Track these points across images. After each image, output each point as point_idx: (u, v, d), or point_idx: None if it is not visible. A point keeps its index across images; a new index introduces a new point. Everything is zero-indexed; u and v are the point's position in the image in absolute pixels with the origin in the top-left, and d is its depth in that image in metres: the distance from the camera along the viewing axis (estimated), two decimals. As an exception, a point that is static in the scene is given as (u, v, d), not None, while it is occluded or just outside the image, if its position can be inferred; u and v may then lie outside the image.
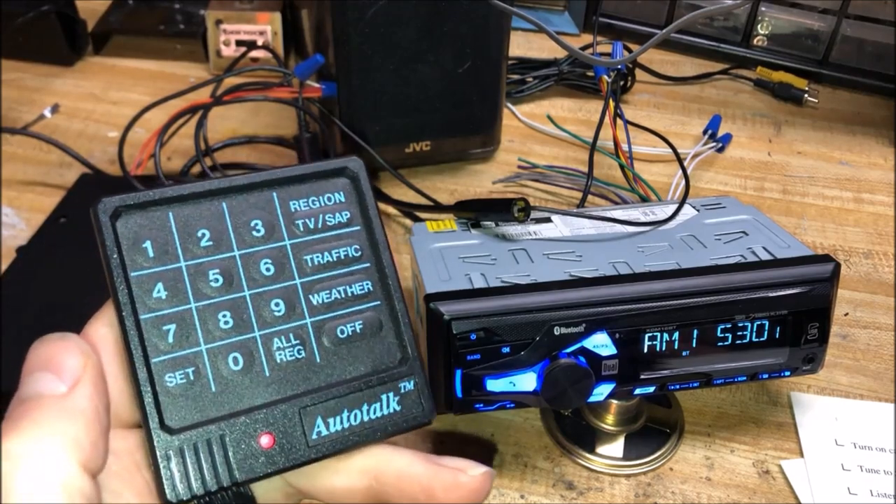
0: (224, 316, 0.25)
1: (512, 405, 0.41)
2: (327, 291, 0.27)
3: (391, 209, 0.62)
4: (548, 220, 0.49)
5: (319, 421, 0.26)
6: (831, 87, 0.81)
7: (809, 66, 0.81)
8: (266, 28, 0.75)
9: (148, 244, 0.25)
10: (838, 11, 0.78)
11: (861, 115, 0.77)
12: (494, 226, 0.48)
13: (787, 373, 0.43)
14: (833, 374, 0.52)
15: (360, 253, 0.27)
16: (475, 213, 0.49)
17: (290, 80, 0.62)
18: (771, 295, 0.41)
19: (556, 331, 0.39)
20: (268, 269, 0.26)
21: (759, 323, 0.41)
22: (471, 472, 0.26)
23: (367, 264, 0.27)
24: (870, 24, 0.78)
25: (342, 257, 0.27)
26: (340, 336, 0.27)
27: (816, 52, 0.81)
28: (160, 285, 0.25)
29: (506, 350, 0.39)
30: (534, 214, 0.47)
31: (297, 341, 0.26)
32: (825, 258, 0.42)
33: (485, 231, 0.48)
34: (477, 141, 0.67)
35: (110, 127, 0.71)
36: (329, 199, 0.27)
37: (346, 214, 0.27)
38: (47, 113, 0.71)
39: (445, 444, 0.46)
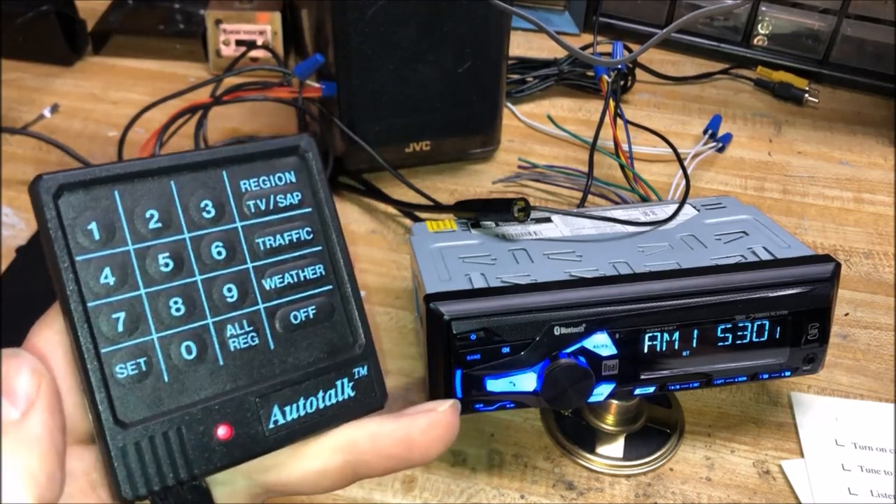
0: (175, 302, 0.24)
1: (512, 405, 0.41)
2: (280, 276, 0.26)
3: (391, 209, 0.62)
4: (548, 220, 0.49)
5: (276, 409, 0.25)
6: (831, 86, 0.81)
7: (810, 65, 0.81)
8: (266, 28, 0.75)
9: (93, 225, 0.23)
10: (838, 11, 0.78)
11: (861, 114, 0.77)
12: (494, 226, 0.48)
13: (788, 373, 0.43)
14: (833, 374, 0.52)
15: (311, 236, 0.27)
16: (475, 213, 0.49)
17: (289, 79, 0.62)
18: (771, 295, 0.40)
19: (556, 331, 0.39)
20: (219, 253, 0.25)
21: (759, 323, 0.41)
22: (440, 408, 0.26)
23: (319, 248, 0.27)
24: (870, 24, 0.78)
25: (294, 240, 0.26)
26: (294, 322, 0.26)
27: (817, 52, 0.81)
28: (107, 270, 0.23)
29: (506, 350, 0.39)
30: (534, 214, 0.47)
31: (251, 328, 0.25)
32: (825, 258, 0.42)
33: (485, 231, 0.48)
34: (477, 141, 0.67)
35: (110, 127, 0.71)
36: (280, 178, 0.26)
37: (297, 195, 0.26)
38: (47, 113, 0.71)
39: (445, 445, 0.46)
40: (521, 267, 0.43)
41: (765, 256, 0.43)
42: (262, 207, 0.26)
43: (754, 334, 0.41)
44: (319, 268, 0.27)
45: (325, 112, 0.62)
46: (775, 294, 0.41)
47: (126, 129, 0.62)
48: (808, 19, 0.80)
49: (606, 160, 0.65)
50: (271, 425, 0.25)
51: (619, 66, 0.69)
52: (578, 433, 0.47)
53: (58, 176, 0.23)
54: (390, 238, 0.61)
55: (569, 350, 0.39)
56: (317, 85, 0.60)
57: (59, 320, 0.23)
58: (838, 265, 0.42)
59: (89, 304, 0.23)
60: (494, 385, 0.40)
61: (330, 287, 0.27)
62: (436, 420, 0.26)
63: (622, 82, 0.77)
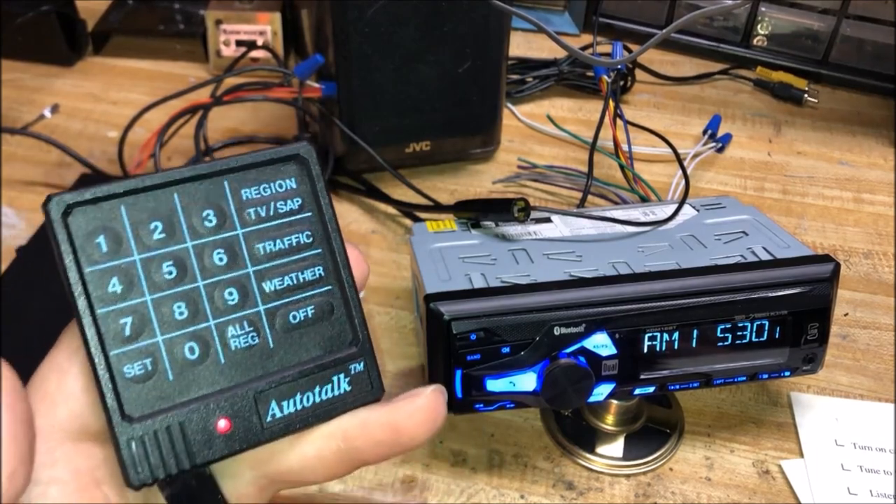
0: (179, 307, 0.26)
1: (512, 405, 0.41)
2: (279, 278, 0.27)
3: (391, 209, 0.62)
4: (548, 220, 0.49)
5: (273, 404, 0.27)
6: (831, 87, 0.81)
7: (809, 66, 0.81)
8: (266, 28, 0.75)
9: (101, 239, 0.25)
10: (838, 11, 0.78)
11: (861, 115, 0.77)
12: (494, 226, 0.48)
13: (787, 373, 0.43)
14: (833, 374, 0.52)
15: (311, 239, 0.28)
16: (475, 213, 0.49)
17: (289, 80, 0.62)
18: (771, 295, 0.41)
19: (556, 331, 0.39)
20: (220, 259, 0.27)
21: (759, 323, 0.41)
22: (424, 393, 0.28)
23: (319, 250, 0.28)
24: (870, 24, 0.78)
25: (294, 244, 0.28)
26: (293, 321, 0.27)
27: (816, 52, 0.81)
28: (115, 279, 0.25)
29: (506, 350, 0.39)
30: (534, 214, 0.47)
31: (251, 328, 0.27)
32: (825, 258, 0.42)
33: (485, 231, 0.48)
34: (477, 141, 0.67)
35: (110, 127, 0.71)
36: (280, 185, 0.28)
37: (297, 201, 0.28)
38: (47, 113, 0.71)
39: (445, 444, 0.46)
40: (521, 267, 0.43)
41: (764, 256, 0.43)
42: (263, 214, 0.27)
43: (754, 334, 0.41)
44: (319, 269, 0.28)
45: (325, 112, 0.62)
46: (775, 294, 0.41)
47: (126, 129, 0.62)
48: (808, 19, 0.80)
49: (606, 160, 0.65)
50: (269, 419, 0.26)
51: (619, 67, 0.69)
52: (578, 433, 0.47)
53: (66, 196, 0.25)
54: (390, 238, 0.61)
55: (569, 350, 0.39)
56: (317, 85, 0.60)
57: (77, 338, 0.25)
58: (838, 265, 0.42)
59: (98, 311, 0.25)
60: (494, 385, 0.40)
61: (329, 287, 0.28)
62: (419, 406, 0.27)
63: (622, 82, 0.77)
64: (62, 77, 0.77)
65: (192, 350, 0.26)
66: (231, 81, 0.63)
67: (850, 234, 0.63)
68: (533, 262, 0.44)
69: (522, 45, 0.83)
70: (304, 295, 0.28)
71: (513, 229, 0.48)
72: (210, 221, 0.26)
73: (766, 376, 0.42)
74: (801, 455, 0.47)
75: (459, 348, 0.39)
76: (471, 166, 0.68)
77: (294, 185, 0.28)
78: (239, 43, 0.76)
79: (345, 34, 0.57)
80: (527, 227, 0.48)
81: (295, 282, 0.27)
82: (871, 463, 0.46)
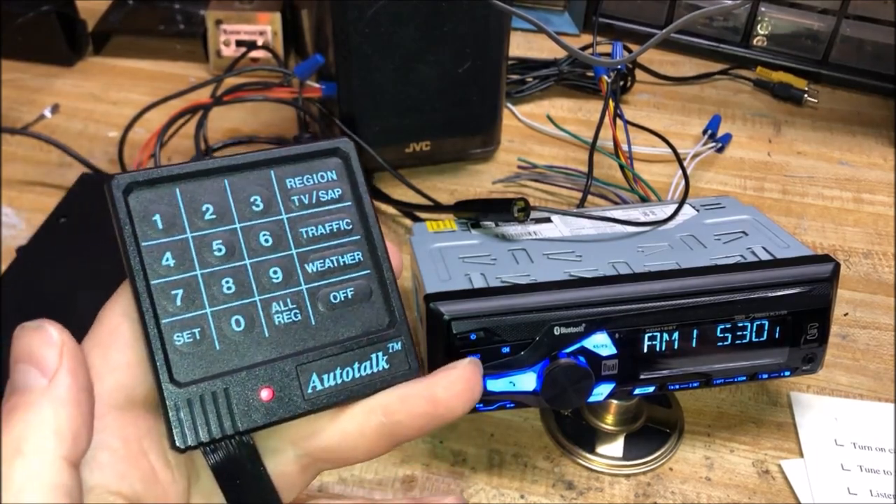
0: (227, 282, 0.28)
1: (512, 405, 0.41)
2: (321, 261, 0.29)
3: (391, 209, 0.62)
4: (548, 220, 0.49)
5: (314, 377, 0.28)
6: (831, 87, 0.81)
7: (809, 66, 0.81)
8: (266, 28, 0.75)
9: (157, 217, 0.27)
10: (838, 11, 0.78)
11: (861, 115, 0.78)
12: (494, 226, 0.48)
13: (787, 373, 0.43)
14: (833, 374, 0.52)
15: (350, 226, 0.29)
16: (475, 213, 0.49)
17: (290, 80, 0.62)
18: (770, 295, 0.41)
19: (556, 331, 0.39)
20: (266, 241, 0.28)
21: (758, 323, 0.41)
22: (461, 364, 0.29)
23: (358, 237, 0.29)
24: (869, 25, 0.78)
25: (334, 230, 0.29)
26: (333, 301, 0.29)
27: (816, 53, 0.81)
28: (168, 254, 0.27)
29: (506, 350, 0.39)
30: (534, 214, 0.47)
31: (294, 305, 0.28)
32: (825, 258, 0.42)
33: (485, 231, 0.48)
34: (477, 141, 0.67)
35: (110, 127, 0.71)
36: (322, 176, 0.30)
37: (337, 191, 0.30)
38: (47, 113, 0.71)
39: (445, 444, 0.47)
40: (520, 267, 0.43)
41: (764, 256, 0.43)
42: (306, 201, 0.29)
43: (754, 334, 0.41)
44: (358, 254, 0.29)
45: (325, 112, 0.62)
46: (775, 294, 0.41)
47: (126, 129, 0.62)
48: (808, 20, 0.80)
49: (606, 160, 0.65)
50: (310, 390, 0.28)
51: (619, 67, 0.69)
52: (578, 433, 0.47)
53: (127, 175, 0.27)
54: (390, 238, 0.61)
55: (568, 350, 0.39)
56: (317, 85, 0.60)
57: (126, 299, 0.27)
58: (837, 265, 0.42)
59: (152, 283, 0.27)
60: (494, 385, 0.40)
61: (368, 271, 0.29)
62: (456, 377, 0.28)
63: (622, 83, 0.77)
64: (62, 77, 0.78)
65: (238, 322, 0.27)
66: (231, 81, 0.63)
67: (850, 234, 0.63)
68: (533, 262, 0.44)
69: (522, 45, 0.83)
70: (344, 277, 0.29)
71: (513, 229, 0.48)
72: (257, 206, 0.28)
73: (765, 376, 0.42)
74: (801, 455, 0.47)
75: (459, 348, 0.39)
76: (471, 166, 0.68)
77: (335, 177, 0.30)
78: (239, 43, 0.76)
79: (345, 34, 0.57)
80: (527, 227, 0.48)
81: (336, 264, 0.29)
82: (871, 463, 0.46)
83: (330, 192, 0.29)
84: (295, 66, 0.60)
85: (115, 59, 0.81)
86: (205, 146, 0.62)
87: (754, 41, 0.83)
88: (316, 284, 0.29)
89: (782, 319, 0.41)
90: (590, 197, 0.61)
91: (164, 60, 0.80)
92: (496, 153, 0.69)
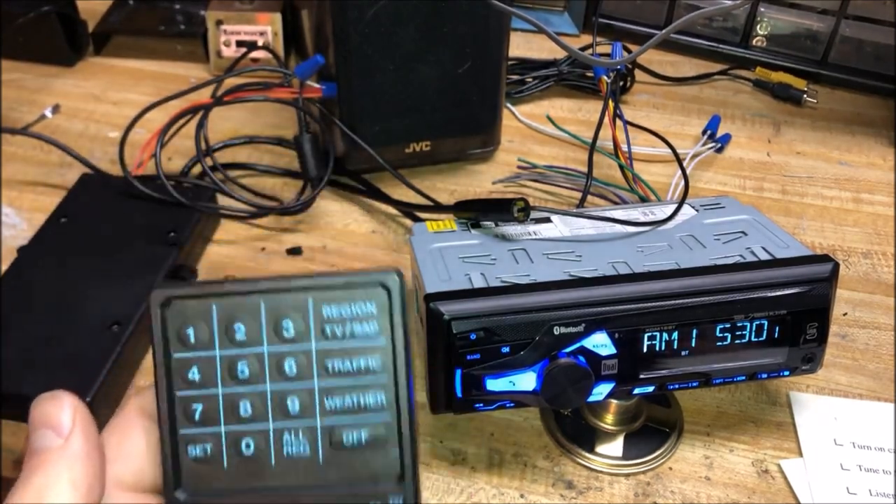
0: (245, 405, 0.28)
1: (511, 405, 0.41)
2: (341, 397, 0.29)
3: (391, 209, 0.62)
4: (547, 220, 0.49)
5: None
6: (830, 87, 0.81)
7: (808, 66, 0.81)
8: (266, 28, 0.75)
9: (190, 331, 0.28)
10: (837, 12, 0.78)
11: (860, 115, 0.78)
12: (494, 226, 0.48)
13: (786, 372, 0.43)
14: (832, 373, 0.52)
15: (380, 366, 0.29)
16: (475, 213, 0.49)
17: (290, 80, 0.62)
18: (770, 295, 0.41)
19: (556, 331, 0.39)
20: (291, 369, 0.28)
21: (758, 323, 0.41)
22: None
23: (384, 378, 0.29)
24: (869, 25, 0.78)
25: (361, 367, 0.29)
26: (345, 442, 0.29)
27: (815, 53, 0.81)
28: (195, 368, 0.28)
29: (505, 350, 0.39)
30: (533, 214, 0.47)
31: (305, 440, 0.28)
32: (824, 258, 0.42)
33: (485, 231, 0.48)
34: (477, 141, 0.67)
35: (111, 127, 0.71)
36: (361, 308, 0.29)
37: (373, 325, 0.29)
38: (48, 113, 0.71)
39: (445, 443, 0.47)
40: (520, 267, 0.43)
41: (763, 256, 0.43)
42: (339, 333, 0.29)
43: (753, 334, 0.41)
44: (381, 396, 0.29)
45: (326, 112, 0.62)
46: (774, 294, 0.41)
47: (127, 129, 0.62)
48: (807, 20, 0.80)
49: (606, 160, 0.65)
50: None
51: (619, 67, 0.69)
52: (578, 432, 0.47)
53: (167, 290, 0.28)
54: (390, 238, 0.61)
55: (568, 350, 0.39)
56: (317, 85, 0.60)
57: (151, 396, 0.29)
58: (837, 265, 0.42)
59: (177, 393, 0.28)
60: (494, 384, 0.40)
61: (387, 417, 0.29)
62: None
63: (621, 83, 0.77)
64: (63, 77, 0.78)
65: (248, 446, 0.28)
66: (231, 82, 0.63)
67: (849, 233, 0.64)
68: (533, 262, 0.44)
69: (522, 45, 0.83)
70: (361, 419, 0.29)
71: (512, 229, 0.48)
72: (289, 332, 0.28)
73: (765, 376, 0.43)
74: (801, 454, 0.47)
75: (459, 348, 0.39)
76: (471, 166, 0.68)
77: (374, 311, 0.29)
78: (239, 43, 0.76)
79: (345, 34, 0.57)
80: (526, 227, 0.48)
81: (355, 404, 0.29)
82: (871, 462, 0.46)
83: (365, 325, 0.29)
84: (295, 67, 0.60)
85: (115, 59, 0.81)
86: (205, 146, 0.62)
87: (754, 41, 0.83)
88: (331, 421, 0.28)
89: (781, 319, 0.41)
90: (589, 197, 0.62)
91: (164, 61, 0.81)
92: (496, 153, 0.69)
